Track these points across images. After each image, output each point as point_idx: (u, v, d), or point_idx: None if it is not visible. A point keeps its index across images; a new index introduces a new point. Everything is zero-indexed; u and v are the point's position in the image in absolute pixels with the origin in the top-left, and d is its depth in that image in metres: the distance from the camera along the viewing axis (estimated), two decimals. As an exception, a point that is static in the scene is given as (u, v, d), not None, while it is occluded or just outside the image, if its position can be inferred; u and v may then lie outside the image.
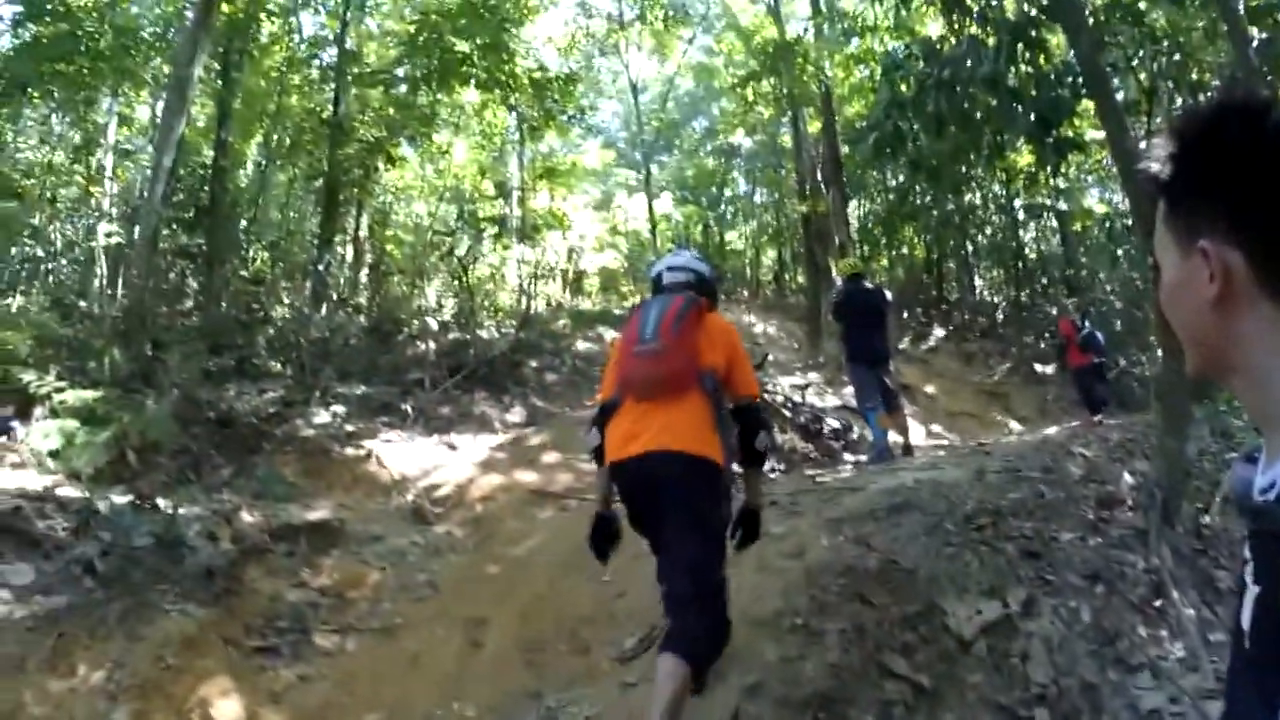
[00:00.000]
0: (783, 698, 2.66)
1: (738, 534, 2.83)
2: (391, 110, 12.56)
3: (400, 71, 12.71)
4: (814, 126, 16.03)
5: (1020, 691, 2.70)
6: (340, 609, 4.72)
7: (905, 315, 16.14)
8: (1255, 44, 5.68)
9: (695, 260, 3.18)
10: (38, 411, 6.30)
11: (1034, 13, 5.55)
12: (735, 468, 2.80)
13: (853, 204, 17.67)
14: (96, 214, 11.06)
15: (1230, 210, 0.69)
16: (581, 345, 12.54)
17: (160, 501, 4.78)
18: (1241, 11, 5.52)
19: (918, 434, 8.90)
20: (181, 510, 4.65)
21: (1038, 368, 13.70)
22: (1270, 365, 0.68)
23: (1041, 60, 5.52)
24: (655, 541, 2.77)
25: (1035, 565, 3.41)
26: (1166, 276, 0.77)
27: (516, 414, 9.39)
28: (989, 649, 2.89)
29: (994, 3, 6.20)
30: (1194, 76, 7.44)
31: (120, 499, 4.70)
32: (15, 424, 6.19)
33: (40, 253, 12.58)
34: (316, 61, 13.47)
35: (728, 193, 24.52)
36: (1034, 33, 5.42)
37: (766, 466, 3.21)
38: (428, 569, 5.33)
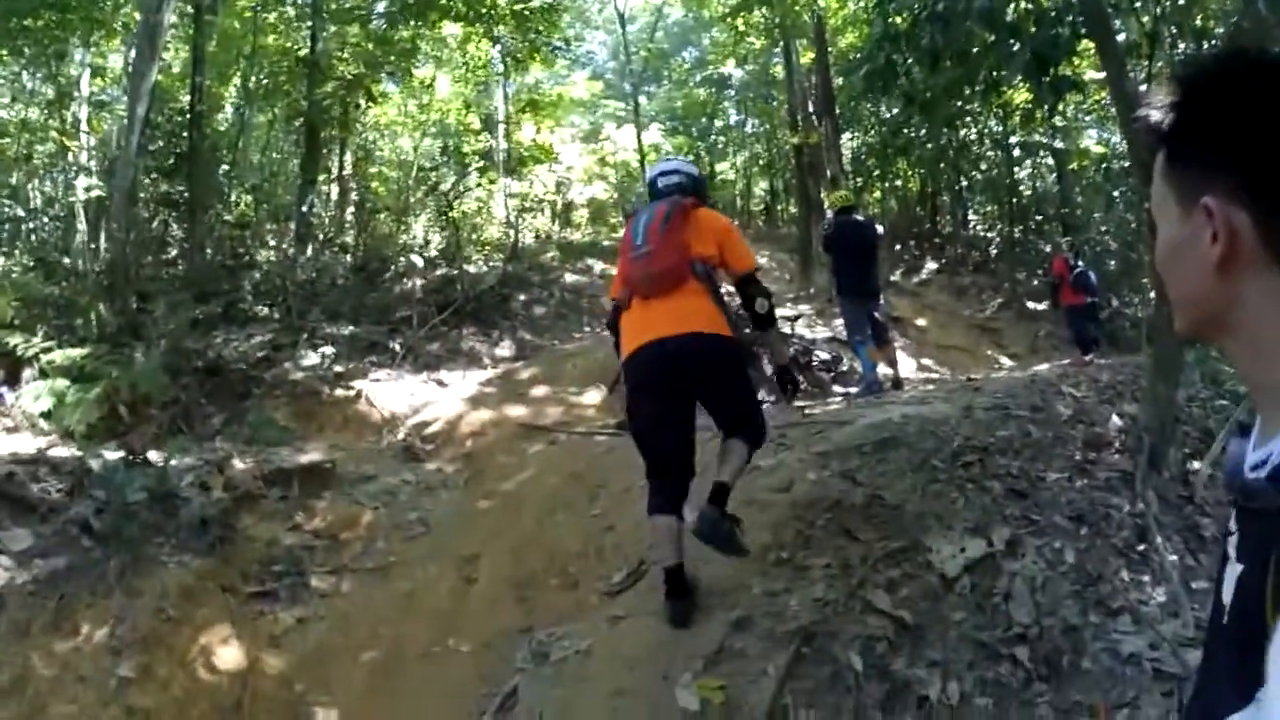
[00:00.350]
0: (767, 631, 2.69)
1: (787, 391, 3.26)
2: (370, 46, 12.22)
3: (379, 6, 12.35)
4: (806, 58, 15.65)
5: (1002, 630, 2.72)
6: (335, 550, 4.76)
7: (898, 248, 16.03)
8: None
9: (685, 163, 3.54)
10: (27, 374, 6.27)
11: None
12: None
13: (846, 136, 17.35)
14: (74, 169, 10.80)
15: (1237, 166, 0.64)
16: (570, 277, 12.51)
17: (152, 455, 4.78)
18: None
19: (907, 367, 8.94)
20: (174, 462, 4.66)
21: (1030, 304, 13.60)
22: (1273, 334, 0.64)
23: (1041, -4, 5.32)
24: (659, 438, 3.03)
25: (1020, 504, 3.42)
26: (1164, 233, 0.72)
27: (505, 348, 9.40)
28: (972, 587, 2.90)
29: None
30: (1198, 22, 7.19)
31: (112, 455, 4.70)
32: (4, 390, 6.16)
33: (20, 212, 12.36)
34: (292, -1, 13.01)
35: (718, 123, 24.13)
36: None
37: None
38: (420, 507, 5.36)
